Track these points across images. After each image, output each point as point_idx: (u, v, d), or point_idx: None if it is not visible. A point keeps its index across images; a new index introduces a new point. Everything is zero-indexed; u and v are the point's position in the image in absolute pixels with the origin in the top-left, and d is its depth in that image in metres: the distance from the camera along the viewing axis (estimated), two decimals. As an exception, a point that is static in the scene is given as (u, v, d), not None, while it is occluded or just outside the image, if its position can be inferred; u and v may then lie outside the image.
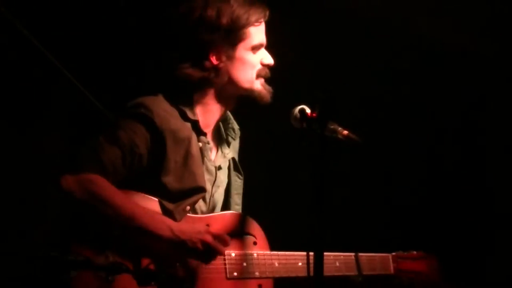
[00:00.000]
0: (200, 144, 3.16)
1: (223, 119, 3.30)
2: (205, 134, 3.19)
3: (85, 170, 2.92)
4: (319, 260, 2.60)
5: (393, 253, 3.51)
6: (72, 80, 2.82)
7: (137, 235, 2.93)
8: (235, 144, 3.37)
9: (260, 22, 3.16)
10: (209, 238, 2.97)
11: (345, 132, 2.93)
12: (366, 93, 4.66)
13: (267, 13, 3.17)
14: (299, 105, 3.02)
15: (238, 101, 3.25)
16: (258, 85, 3.19)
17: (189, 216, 3.09)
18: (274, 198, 4.19)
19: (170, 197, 3.05)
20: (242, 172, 3.36)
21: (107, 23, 3.90)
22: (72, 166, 2.91)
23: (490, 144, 5.01)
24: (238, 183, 3.34)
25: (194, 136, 3.14)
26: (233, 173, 3.33)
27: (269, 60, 3.20)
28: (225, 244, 3.01)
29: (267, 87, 3.21)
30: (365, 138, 2.92)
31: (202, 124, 3.17)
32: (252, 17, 3.12)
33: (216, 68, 3.13)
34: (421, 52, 4.80)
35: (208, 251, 2.99)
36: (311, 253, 2.67)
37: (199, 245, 2.96)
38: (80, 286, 2.79)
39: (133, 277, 2.53)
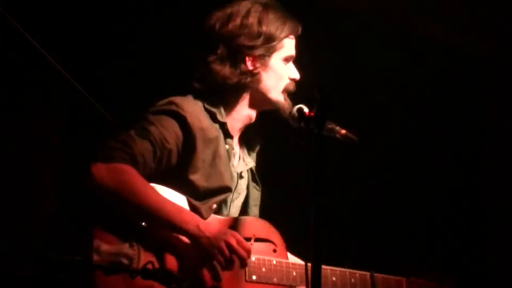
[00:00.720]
0: (227, 146, 3.22)
1: (247, 129, 3.33)
2: (231, 137, 3.25)
3: (117, 160, 2.93)
4: (317, 267, 2.56)
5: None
6: (71, 81, 2.83)
7: (164, 227, 2.96)
8: (254, 155, 3.41)
9: (295, 35, 3.29)
10: (233, 241, 2.98)
11: (343, 131, 2.97)
12: (366, 93, 4.67)
13: (300, 28, 3.30)
14: (298, 104, 3.03)
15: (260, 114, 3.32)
16: (283, 98, 3.26)
17: (214, 216, 3.13)
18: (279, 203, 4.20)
19: (197, 195, 3.10)
20: (259, 183, 3.40)
21: (121, 23, 3.93)
22: (103, 156, 2.93)
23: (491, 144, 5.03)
24: (256, 194, 3.39)
25: (222, 138, 3.20)
26: (251, 183, 3.38)
27: (296, 74, 3.31)
28: (247, 253, 3.01)
29: (289, 100, 3.26)
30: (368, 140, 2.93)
31: (228, 128, 3.24)
32: (288, 30, 3.26)
33: (251, 74, 3.21)
34: (421, 52, 4.82)
35: (230, 253, 2.98)
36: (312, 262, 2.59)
37: (222, 244, 2.97)
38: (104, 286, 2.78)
39: (130, 276, 2.52)
